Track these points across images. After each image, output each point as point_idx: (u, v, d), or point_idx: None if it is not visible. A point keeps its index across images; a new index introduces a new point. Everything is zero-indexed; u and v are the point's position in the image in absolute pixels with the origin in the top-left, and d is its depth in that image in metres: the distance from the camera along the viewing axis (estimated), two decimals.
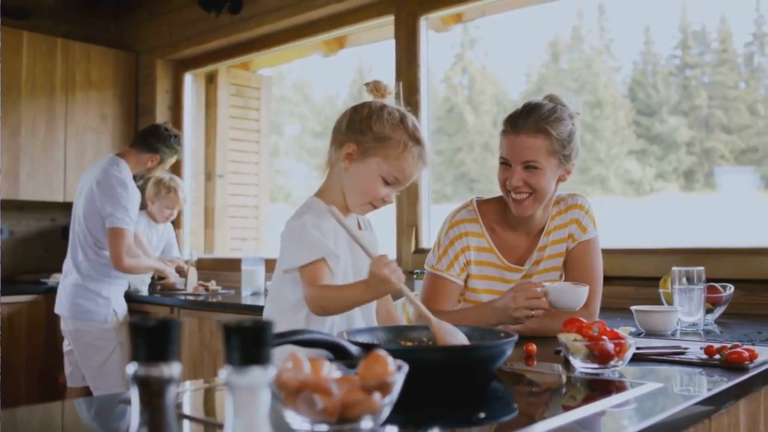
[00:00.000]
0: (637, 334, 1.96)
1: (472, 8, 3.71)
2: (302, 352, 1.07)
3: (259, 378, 0.70)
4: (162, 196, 3.95)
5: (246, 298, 3.64)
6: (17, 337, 4.15)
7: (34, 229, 4.83)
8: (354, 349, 1.08)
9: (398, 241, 3.72)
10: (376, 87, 1.66)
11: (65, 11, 4.89)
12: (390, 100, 1.68)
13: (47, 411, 1.25)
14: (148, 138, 3.62)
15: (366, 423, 0.89)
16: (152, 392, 0.72)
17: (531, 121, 1.86)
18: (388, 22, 3.84)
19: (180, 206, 4.05)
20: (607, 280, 2.92)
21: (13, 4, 4.54)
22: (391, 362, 0.91)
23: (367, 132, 1.61)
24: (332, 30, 4.11)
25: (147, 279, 4.01)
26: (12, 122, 4.36)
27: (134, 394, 0.72)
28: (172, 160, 3.72)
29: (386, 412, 0.91)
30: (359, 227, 1.75)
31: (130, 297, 3.75)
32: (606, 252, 2.96)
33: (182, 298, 3.74)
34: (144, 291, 3.95)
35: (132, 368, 0.72)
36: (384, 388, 0.89)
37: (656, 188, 4.30)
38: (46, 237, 4.83)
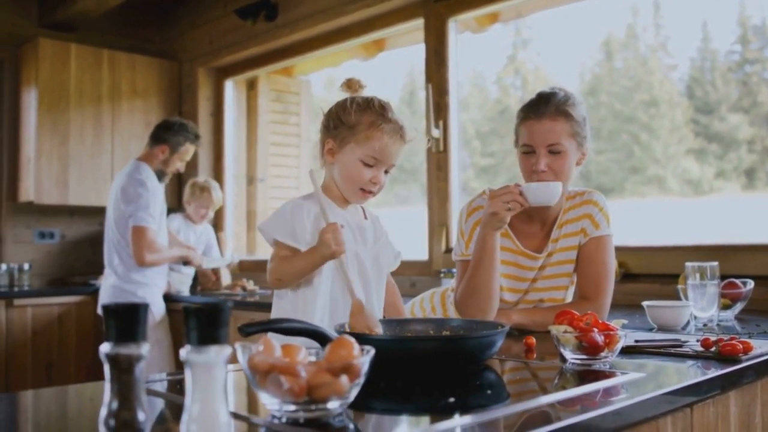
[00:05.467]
0: (649, 329, 1.97)
1: (505, 7, 3.72)
2: (287, 341, 1.14)
3: (215, 356, 0.78)
4: (197, 196, 4.09)
5: None
6: (67, 336, 4.35)
7: (83, 233, 5.04)
8: (336, 337, 1.14)
9: (429, 241, 3.77)
10: (348, 84, 1.75)
11: (111, 24, 5.09)
12: (366, 93, 1.76)
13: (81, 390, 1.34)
14: (156, 131, 3.79)
15: (333, 404, 0.95)
16: (121, 368, 0.80)
17: (552, 106, 1.94)
18: (418, 26, 3.90)
19: (215, 206, 4.17)
20: (632, 277, 2.94)
21: (61, 19, 4.76)
22: (357, 346, 0.97)
23: (339, 125, 1.72)
24: (364, 35, 4.19)
25: (187, 280, 4.16)
26: (61, 131, 4.57)
27: (106, 370, 0.81)
28: (186, 149, 3.78)
29: (353, 394, 0.97)
30: (364, 217, 1.83)
31: (170, 297, 3.90)
32: (631, 249, 2.98)
33: (221, 297, 3.87)
34: (185, 291, 4.10)
35: (104, 347, 0.80)
36: (350, 370, 0.95)
37: (716, 187, 4.21)
38: (94, 240, 5.02)
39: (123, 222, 3.59)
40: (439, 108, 3.71)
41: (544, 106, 1.94)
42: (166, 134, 3.73)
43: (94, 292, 4.31)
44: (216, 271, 4.15)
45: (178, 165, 3.81)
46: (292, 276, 1.66)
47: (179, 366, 3.81)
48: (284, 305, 1.70)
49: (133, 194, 3.55)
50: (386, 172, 1.73)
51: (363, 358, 0.96)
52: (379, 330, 1.48)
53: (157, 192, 3.62)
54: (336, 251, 1.57)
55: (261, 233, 1.71)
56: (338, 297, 1.70)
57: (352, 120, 1.69)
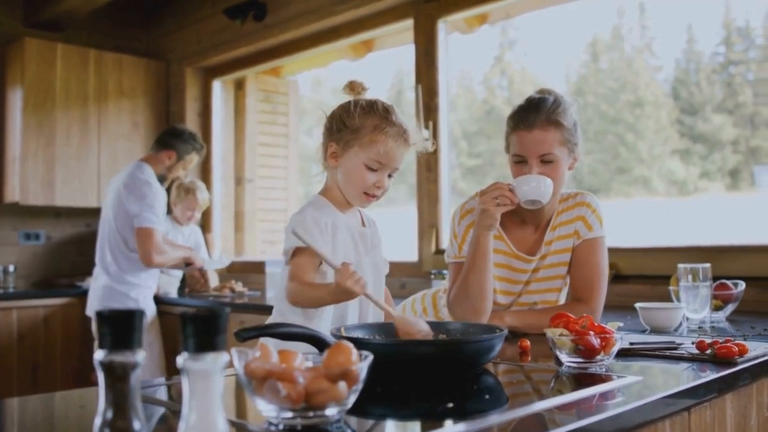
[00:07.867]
0: (642, 331, 1.97)
1: (495, 8, 3.72)
2: (287, 346, 1.13)
3: (212, 363, 0.76)
4: (182, 198, 4.06)
5: (270, 300, 3.72)
6: (53, 338, 4.30)
7: (69, 235, 4.99)
8: (333, 342, 1.13)
9: (419, 242, 3.76)
10: (351, 87, 1.73)
11: (98, 23, 5.05)
12: (369, 95, 1.74)
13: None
14: (163, 137, 3.77)
15: (331, 410, 0.93)
16: (116, 376, 0.78)
17: (542, 115, 1.91)
18: (407, 26, 3.88)
19: (201, 207, 4.13)
20: (623, 278, 2.94)
21: (47, 18, 4.71)
22: (355, 352, 0.96)
23: (343, 129, 1.69)
24: (354, 35, 4.17)
25: (175, 282, 4.12)
26: (47, 131, 4.52)
27: (100, 378, 0.78)
28: (191, 158, 3.77)
29: (352, 400, 0.95)
30: (363, 224, 1.80)
31: (159, 299, 3.86)
32: (621, 250, 2.98)
33: (210, 299, 3.84)
34: (172, 293, 4.06)
35: (98, 355, 0.78)
36: (348, 376, 0.93)
37: (700, 188, 4.23)
38: (81, 242, 4.98)
39: (125, 220, 3.54)
40: (428, 109, 3.70)
41: (534, 115, 1.91)
42: (175, 141, 3.71)
43: (81, 294, 4.26)
44: (204, 273, 4.13)
45: (181, 173, 3.79)
46: (309, 304, 1.62)
47: (170, 369, 3.79)
48: (290, 311, 1.67)
49: (138, 193, 3.51)
50: (390, 175, 1.72)
51: (361, 364, 0.95)
52: (426, 327, 1.48)
53: (161, 192, 3.60)
54: (359, 292, 1.50)
55: (297, 236, 1.59)
56: (348, 303, 1.68)
57: (356, 123, 1.67)
